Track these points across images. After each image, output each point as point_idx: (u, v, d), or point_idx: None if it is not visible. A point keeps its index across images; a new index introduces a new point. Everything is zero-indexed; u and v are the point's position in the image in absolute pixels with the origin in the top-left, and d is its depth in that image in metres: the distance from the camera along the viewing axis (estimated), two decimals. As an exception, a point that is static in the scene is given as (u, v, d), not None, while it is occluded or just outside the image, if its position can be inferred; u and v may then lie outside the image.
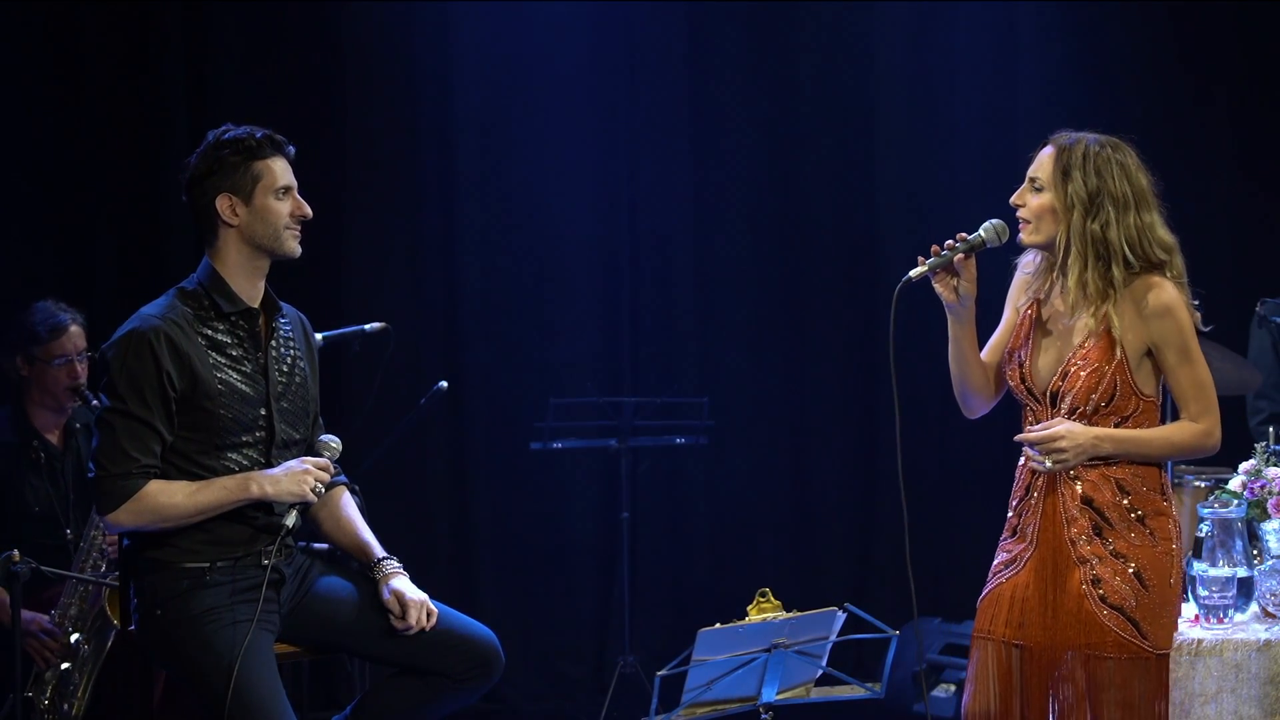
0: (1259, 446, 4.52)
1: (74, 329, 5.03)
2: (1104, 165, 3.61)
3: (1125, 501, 3.64)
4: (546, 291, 6.76)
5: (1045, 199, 3.64)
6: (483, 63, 6.63)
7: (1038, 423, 3.69)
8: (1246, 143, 6.75)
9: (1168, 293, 3.60)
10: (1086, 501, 3.64)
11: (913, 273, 3.69)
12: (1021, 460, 3.76)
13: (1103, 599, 3.60)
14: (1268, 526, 4.38)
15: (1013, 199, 3.70)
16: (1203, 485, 5.38)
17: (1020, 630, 3.67)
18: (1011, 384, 3.74)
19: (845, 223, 6.91)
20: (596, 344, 6.82)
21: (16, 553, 4.16)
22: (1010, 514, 3.78)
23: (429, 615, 3.87)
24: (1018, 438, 3.67)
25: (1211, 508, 4.34)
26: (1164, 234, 3.64)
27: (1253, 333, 5.61)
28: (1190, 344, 3.63)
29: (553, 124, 6.71)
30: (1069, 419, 3.64)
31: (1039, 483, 3.69)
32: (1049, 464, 3.61)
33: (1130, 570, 3.61)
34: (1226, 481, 4.51)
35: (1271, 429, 4.73)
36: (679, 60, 6.83)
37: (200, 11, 6.25)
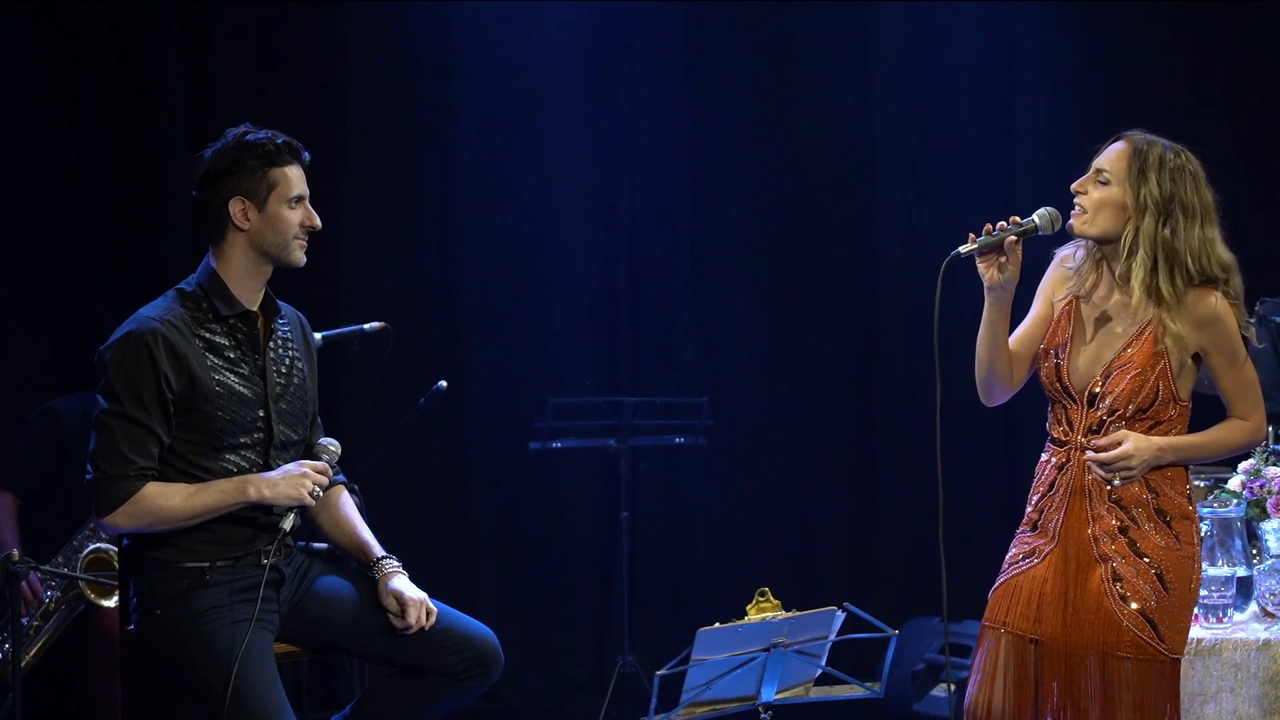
0: (1258, 446, 4.53)
1: None
2: (1178, 173, 3.60)
3: (1154, 502, 3.63)
4: (546, 291, 6.75)
5: (1111, 193, 3.61)
6: (482, 62, 6.63)
7: (1069, 420, 3.67)
8: (1246, 142, 6.75)
9: (1218, 301, 3.61)
10: (1115, 500, 3.63)
11: (962, 248, 3.64)
12: (1044, 455, 3.74)
13: (1123, 598, 3.59)
14: (1267, 526, 4.39)
15: (1074, 185, 3.66)
16: (1202, 485, 5.36)
17: (1036, 625, 3.65)
18: (1045, 380, 3.71)
19: (845, 222, 6.91)
20: (596, 343, 6.82)
21: (16, 552, 4.17)
22: (1030, 509, 3.75)
23: (428, 614, 3.87)
24: (1089, 457, 3.62)
25: (1211, 507, 4.35)
26: (1223, 252, 3.64)
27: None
28: (1238, 347, 3.66)
29: (552, 124, 6.70)
30: (1108, 420, 3.63)
31: (1065, 479, 3.68)
32: (1117, 481, 3.61)
33: (1153, 571, 3.60)
34: (1226, 481, 4.52)
35: (1271, 428, 4.73)
36: (678, 60, 6.83)
37: (200, 12, 6.25)
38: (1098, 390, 3.63)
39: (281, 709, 3.70)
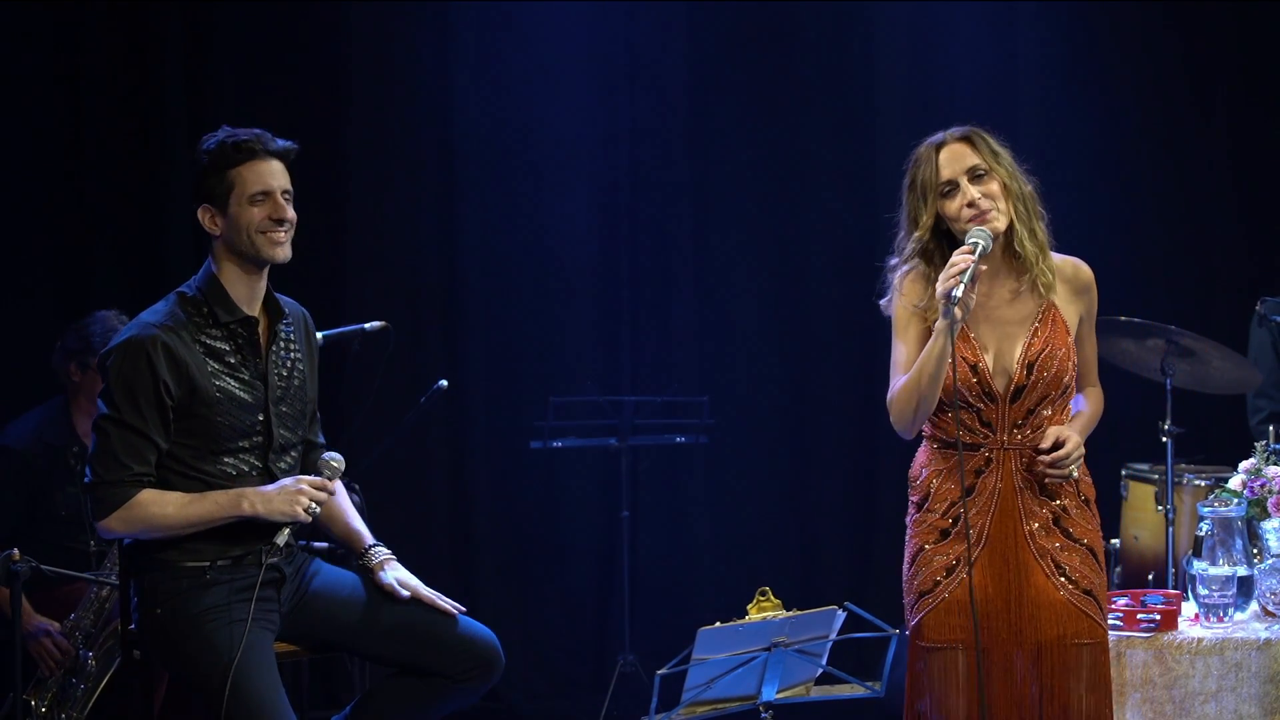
0: (1259, 445, 4.53)
1: None
2: (997, 141, 3.71)
3: (1077, 488, 3.67)
4: (546, 290, 6.76)
5: (994, 183, 3.64)
6: (483, 62, 6.63)
7: (986, 422, 3.63)
8: (1245, 141, 6.75)
9: (1087, 269, 3.74)
10: (1047, 495, 3.64)
11: (955, 292, 3.50)
12: (935, 465, 3.67)
13: (1073, 584, 3.60)
14: (1267, 525, 4.39)
15: (962, 204, 3.63)
16: (1202, 484, 5.38)
17: (985, 633, 3.60)
18: (964, 389, 3.62)
19: (845, 221, 6.90)
20: (597, 342, 6.82)
21: (16, 551, 4.16)
22: (936, 517, 3.67)
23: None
24: (1044, 459, 3.59)
25: (1211, 506, 4.35)
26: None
27: (1252, 331, 5.61)
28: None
29: (552, 123, 6.71)
30: (1038, 408, 3.62)
31: (989, 482, 3.64)
32: (1075, 473, 3.63)
33: (1089, 553, 3.65)
34: (1226, 480, 4.52)
35: (1271, 428, 4.74)
36: (679, 60, 6.83)
37: (200, 11, 6.25)
38: (1024, 383, 3.62)
39: (281, 708, 3.70)
